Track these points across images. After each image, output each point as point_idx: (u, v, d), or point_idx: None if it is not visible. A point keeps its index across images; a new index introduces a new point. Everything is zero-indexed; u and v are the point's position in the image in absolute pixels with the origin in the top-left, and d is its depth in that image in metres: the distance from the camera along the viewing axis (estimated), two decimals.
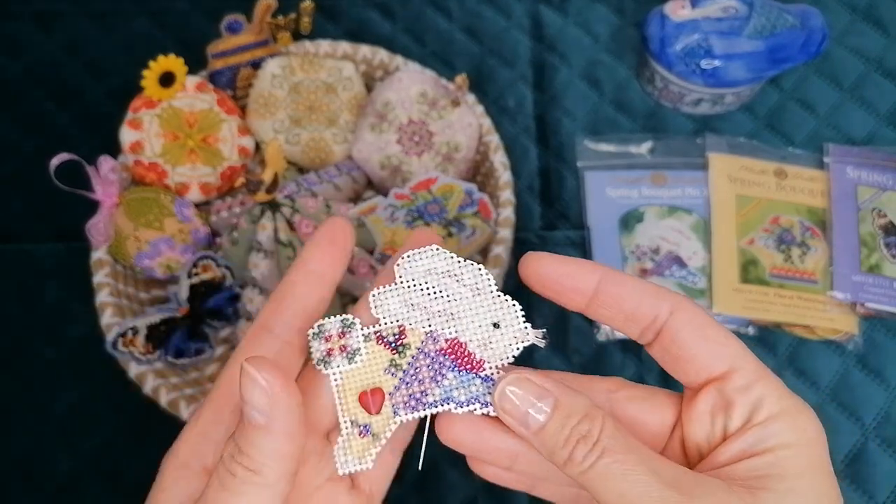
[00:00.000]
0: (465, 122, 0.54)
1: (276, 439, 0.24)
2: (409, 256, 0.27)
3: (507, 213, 0.52)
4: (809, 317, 0.53)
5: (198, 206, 0.54)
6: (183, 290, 0.48)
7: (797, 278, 0.55)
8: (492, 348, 0.26)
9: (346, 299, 0.51)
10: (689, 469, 0.25)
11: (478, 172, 0.57)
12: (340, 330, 0.27)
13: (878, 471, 0.50)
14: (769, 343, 0.54)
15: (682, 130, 0.61)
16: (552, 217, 0.58)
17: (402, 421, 0.27)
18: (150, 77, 0.52)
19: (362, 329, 0.27)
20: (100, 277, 0.49)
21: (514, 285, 0.55)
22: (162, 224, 0.51)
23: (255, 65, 0.56)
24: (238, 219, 0.52)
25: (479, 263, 0.28)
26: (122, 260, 0.50)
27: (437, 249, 0.27)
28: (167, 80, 0.53)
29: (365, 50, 0.57)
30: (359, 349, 0.27)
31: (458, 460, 0.50)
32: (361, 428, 0.27)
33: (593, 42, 0.64)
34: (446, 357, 0.26)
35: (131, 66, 0.63)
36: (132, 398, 0.51)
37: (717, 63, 0.56)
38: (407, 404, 0.27)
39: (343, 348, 0.27)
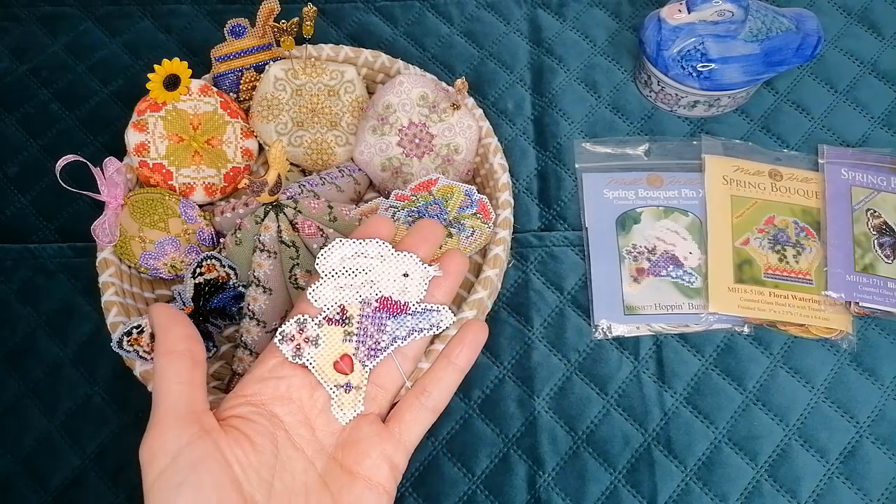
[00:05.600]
0: (465, 125, 0.55)
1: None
2: (322, 256, 0.34)
3: (506, 214, 0.52)
4: (804, 316, 0.54)
5: (202, 206, 0.55)
6: (188, 290, 0.49)
7: (792, 278, 0.55)
8: (409, 292, 0.34)
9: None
10: None
11: (477, 174, 0.58)
12: (298, 328, 0.34)
13: (872, 469, 0.51)
14: (764, 342, 0.55)
15: (678, 133, 0.61)
16: (550, 218, 0.59)
17: (370, 368, 0.34)
18: (155, 80, 0.53)
19: (313, 320, 0.34)
20: (105, 277, 0.50)
21: (513, 284, 0.56)
22: (167, 224, 0.52)
23: (259, 68, 0.57)
24: (242, 220, 0.52)
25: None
26: (128, 260, 0.51)
27: (340, 241, 0.34)
28: (172, 82, 0.53)
29: (366, 54, 0.58)
30: (318, 335, 0.34)
31: (457, 457, 0.51)
32: (344, 386, 0.34)
33: (591, 46, 0.65)
34: (381, 312, 0.35)
35: (136, 68, 0.64)
36: (138, 396, 0.52)
37: (712, 66, 0.56)
38: (368, 356, 0.34)
39: (307, 340, 0.34)
